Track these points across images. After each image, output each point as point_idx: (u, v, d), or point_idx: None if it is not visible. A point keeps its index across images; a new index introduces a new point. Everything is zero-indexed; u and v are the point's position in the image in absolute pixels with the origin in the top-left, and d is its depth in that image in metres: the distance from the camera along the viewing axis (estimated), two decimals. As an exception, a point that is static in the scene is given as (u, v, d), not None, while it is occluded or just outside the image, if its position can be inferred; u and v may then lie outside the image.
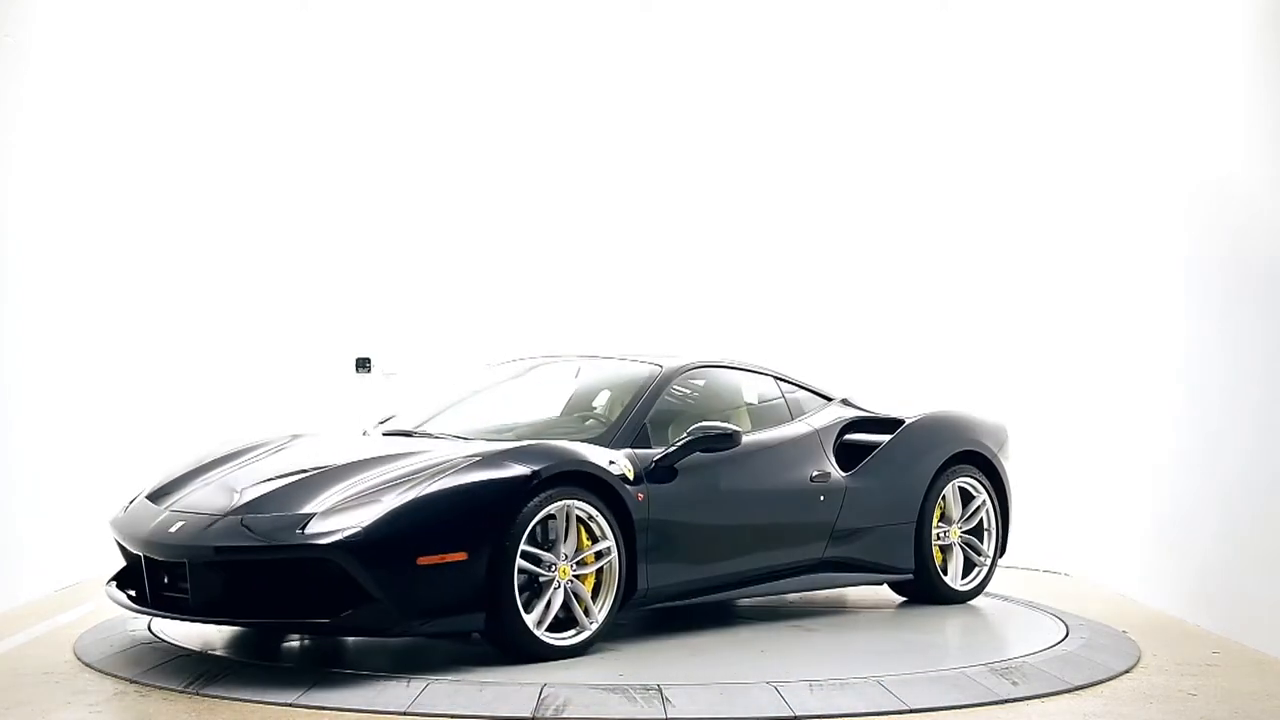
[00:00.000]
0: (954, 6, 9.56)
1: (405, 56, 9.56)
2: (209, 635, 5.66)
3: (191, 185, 9.22)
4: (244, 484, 5.39)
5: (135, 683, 4.85)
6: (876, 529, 6.46)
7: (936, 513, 6.65)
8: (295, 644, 5.56)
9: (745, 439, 6.08)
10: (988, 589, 6.92)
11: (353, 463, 5.37)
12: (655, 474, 5.61)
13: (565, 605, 5.16)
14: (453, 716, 4.38)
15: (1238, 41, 6.16)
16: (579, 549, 5.23)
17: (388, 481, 5.05)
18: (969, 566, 6.80)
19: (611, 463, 5.43)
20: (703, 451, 5.75)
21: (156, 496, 5.56)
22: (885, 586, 6.83)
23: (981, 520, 6.83)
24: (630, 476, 5.47)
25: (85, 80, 7.94)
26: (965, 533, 6.78)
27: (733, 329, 9.38)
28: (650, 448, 5.76)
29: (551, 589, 5.11)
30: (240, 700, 4.57)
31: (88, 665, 5.17)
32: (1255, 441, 5.91)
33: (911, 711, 4.53)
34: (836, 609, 6.68)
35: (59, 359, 7.45)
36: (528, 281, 9.59)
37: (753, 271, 9.67)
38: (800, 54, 9.66)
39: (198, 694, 4.66)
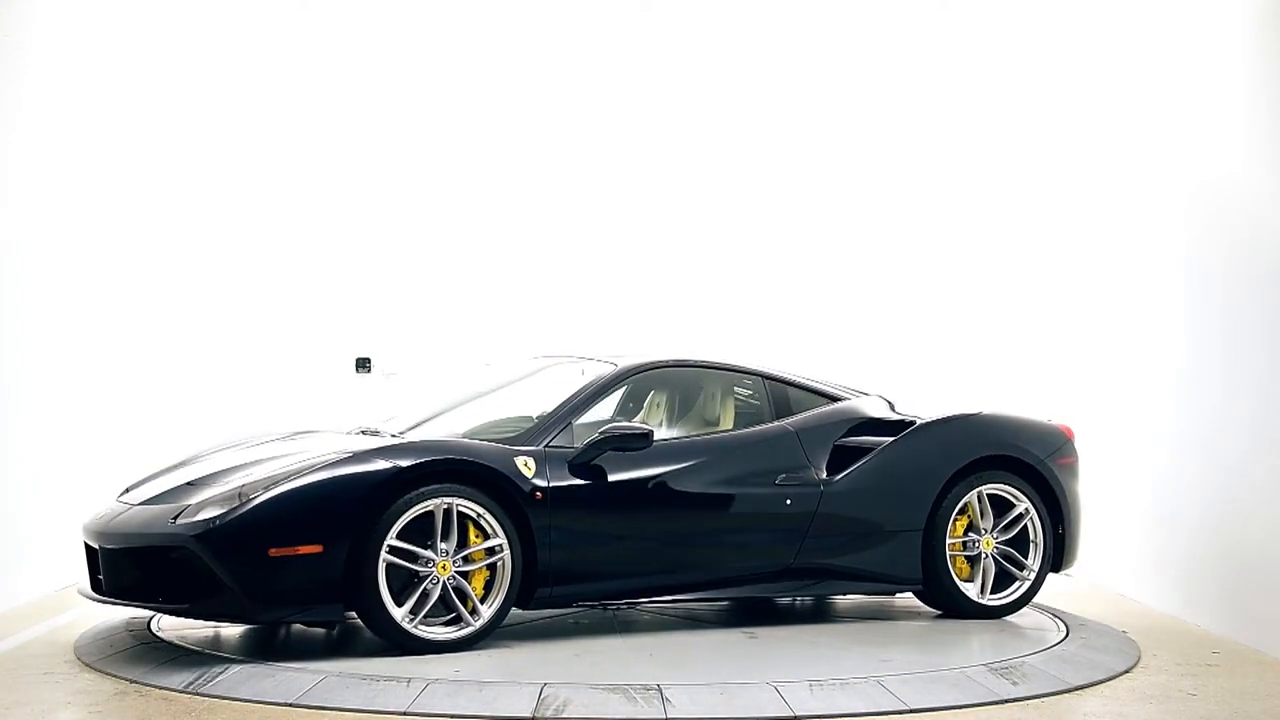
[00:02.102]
0: (954, 6, 9.57)
1: (405, 57, 9.56)
2: (209, 635, 5.67)
3: (191, 186, 9.22)
4: (182, 476, 5.69)
5: (135, 683, 4.85)
6: (871, 536, 6.10)
7: (963, 521, 6.26)
8: (295, 644, 5.57)
9: (694, 439, 6.07)
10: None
11: (259, 460, 5.62)
12: (573, 473, 5.58)
13: (452, 600, 5.28)
14: (453, 716, 4.38)
15: (1238, 41, 6.16)
16: (466, 545, 5.31)
17: (268, 477, 5.26)
18: (1006, 580, 6.32)
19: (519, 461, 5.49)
20: (615, 450, 5.67)
21: (129, 489, 5.79)
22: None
23: (1027, 530, 6.33)
24: (529, 475, 5.46)
25: (85, 80, 7.94)
26: (1005, 544, 6.31)
27: (750, 329, 9.39)
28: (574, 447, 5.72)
29: (426, 584, 5.22)
30: (240, 700, 4.58)
31: (88, 665, 5.17)
32: (1255, 441, 5.91)
33: (911, 711, 4.54)
34: (841, 612, 6.67)
35: (58, 359, 7.45)
36: (528, 282, 9.59)
37: (756, 271, 9.67)
38: (801, 54, 9.66)
39: (198, 694, 4.67)
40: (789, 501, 5.98)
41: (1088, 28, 8.14)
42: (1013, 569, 6.33)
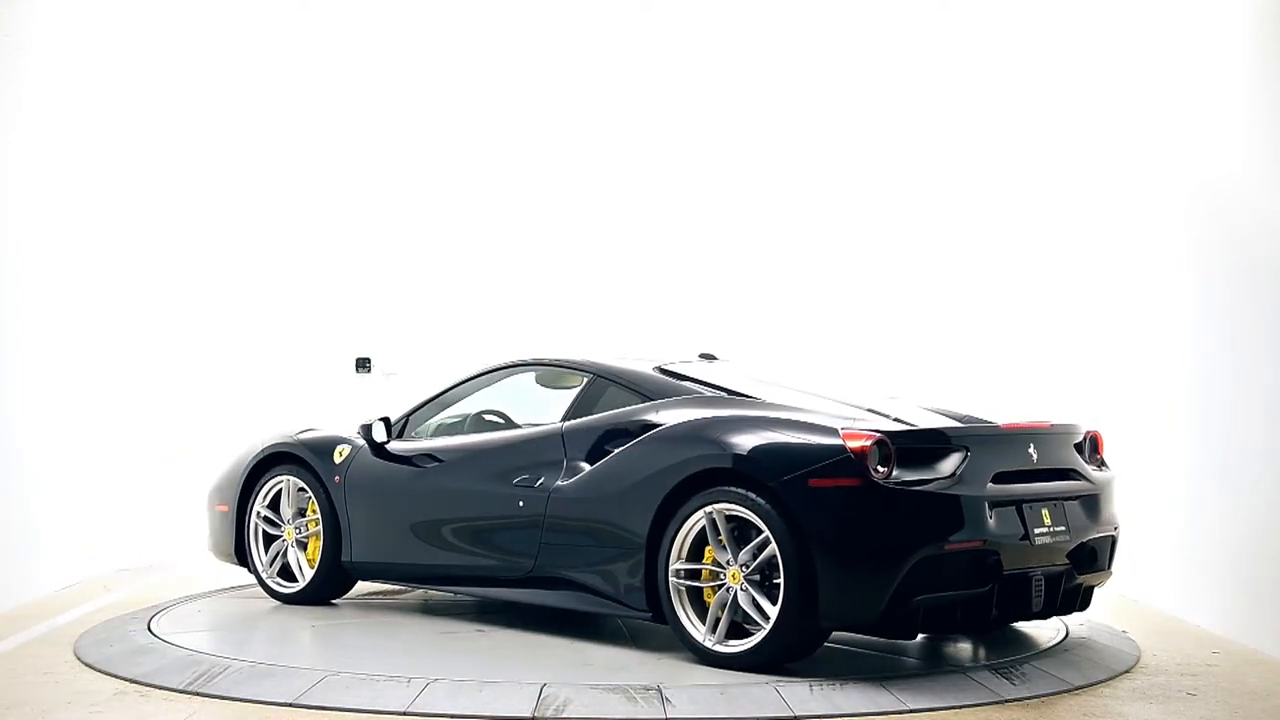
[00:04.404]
0: (954, 6, 9.57)
1: (405, 58, 9.56)
2: (209, 635, 5.67)
3: (192, 186, 9.23)
4: None
5: (135, 683, 4.86)
6: (596, 550, 5.39)
7: (708, 552, 5.07)
8: (296, 643, 5.57)
9: (478, 437, 6.10)
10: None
11: None
12: (369, 462, 6.29)
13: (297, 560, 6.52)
14: (453, 716, 4.38)
15: (1238, 41, 6.16)
16: (305, 516, 6.52)
17: None
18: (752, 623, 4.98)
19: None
20: (366, 443, 6.32)
21: None
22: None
23: (779, 566, 4.84)
24: (337, 462, 6.37)
25: (85, 80, 7.94)
26: (757, 580, 4.94)
27: (732, 328, 9.38)
28: (410, 441, 6.34)
29: (277, 545, 6.59)
30: (240, 700, 4.58)
31: (88, 665, 5.18)
32: (1256, 440, 5.91)
33: (911, 711, 4.53)
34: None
35: (58, 361, 7.44)
36: (527, 282, 9.59)
37: (744, 269, 9.68)
38: (802, 54, 9.66)
39: (198, 694, 4.67)
40: (521, 504, 5.67)
41: (1087, 28, 8.14)
42: (754, 614, 4.96)
